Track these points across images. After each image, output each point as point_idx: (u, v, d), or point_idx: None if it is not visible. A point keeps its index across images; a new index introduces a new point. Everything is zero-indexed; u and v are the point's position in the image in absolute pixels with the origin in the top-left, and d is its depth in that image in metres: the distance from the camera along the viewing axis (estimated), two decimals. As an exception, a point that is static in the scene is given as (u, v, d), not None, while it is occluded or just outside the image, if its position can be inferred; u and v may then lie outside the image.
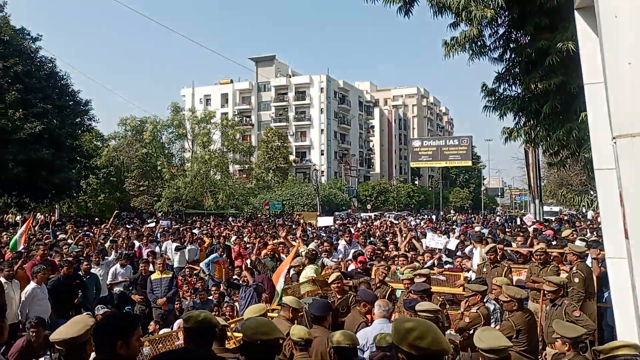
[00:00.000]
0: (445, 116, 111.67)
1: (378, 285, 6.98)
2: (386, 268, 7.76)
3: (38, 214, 34.36)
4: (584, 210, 35.00)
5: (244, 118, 68.99)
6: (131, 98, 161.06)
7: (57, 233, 16.26)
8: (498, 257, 8.00)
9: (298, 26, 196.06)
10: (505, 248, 9.06)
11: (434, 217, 39.94)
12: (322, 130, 67.73)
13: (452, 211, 60.58)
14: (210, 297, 8.64)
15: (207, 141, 49.81)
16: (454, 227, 22.11)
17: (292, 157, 65.22)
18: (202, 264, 11.43)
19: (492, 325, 5.89)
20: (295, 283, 8.07)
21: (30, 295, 7.70)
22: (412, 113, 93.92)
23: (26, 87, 25.13)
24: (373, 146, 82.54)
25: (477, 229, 17.53)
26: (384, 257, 9.67)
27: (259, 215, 42.44)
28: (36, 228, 17.57)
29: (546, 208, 33.32)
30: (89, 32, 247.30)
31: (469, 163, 58.28)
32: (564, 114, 8.46)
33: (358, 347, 4.01)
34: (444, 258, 11.21)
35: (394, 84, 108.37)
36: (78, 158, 30.62)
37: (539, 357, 5.60)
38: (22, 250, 10.28)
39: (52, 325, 7.89)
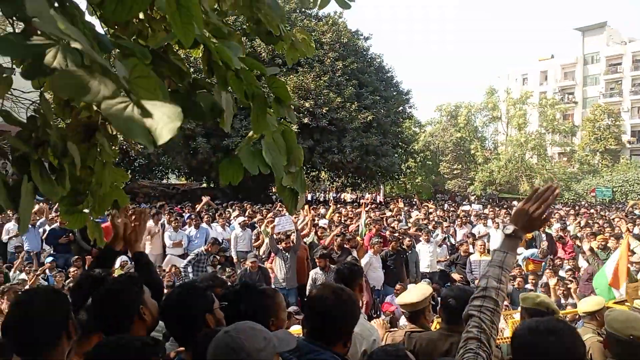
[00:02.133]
0: None
1: None
2: None
3: (367, 193, 39.44)
4: None
5: (566, 95, 62.27)
6: (449, 83, 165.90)
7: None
8: None
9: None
10: None
11: None
12: (669, 104, 55.61)
13: None
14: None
15: (522, 123, 47.43)
16: None
17: (625, 138, 55.78)
18: (519, 258, 10.91)
19: None
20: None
21: (367, 263, 8.98)
22: None
23: (359, 82, 28.73)
24: None
25: None
26: None
27: (582, 202, 38.12)
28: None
29: None
30: (406, 25, 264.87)
31: None
32: None
33: None
34: None
35: None
36: (400, 144, 33.42)
37: None
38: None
39: (384, 292, 9.10)
